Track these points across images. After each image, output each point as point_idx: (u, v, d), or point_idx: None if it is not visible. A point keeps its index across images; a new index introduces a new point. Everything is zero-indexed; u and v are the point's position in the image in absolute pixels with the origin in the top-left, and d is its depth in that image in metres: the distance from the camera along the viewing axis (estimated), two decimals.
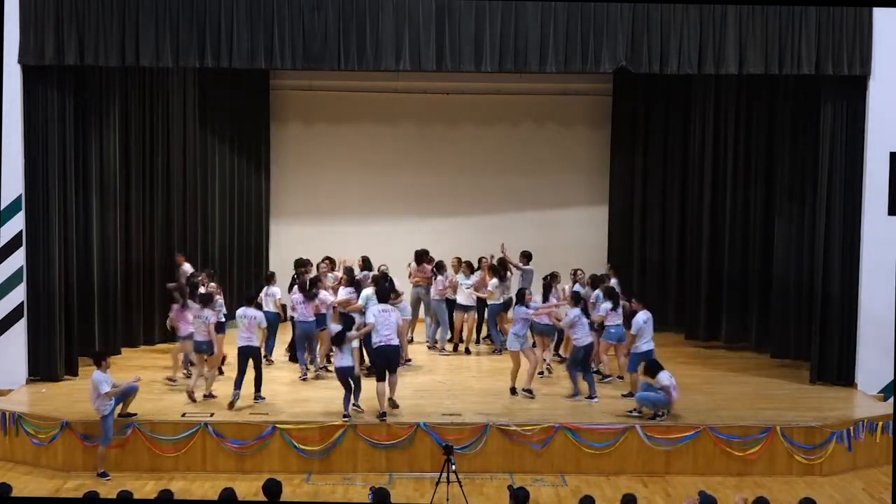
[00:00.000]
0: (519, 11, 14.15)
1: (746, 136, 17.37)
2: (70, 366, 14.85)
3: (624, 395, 14.10)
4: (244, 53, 14.06)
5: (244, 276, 19.09)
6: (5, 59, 13.07)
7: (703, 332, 17.91)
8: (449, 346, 16.97)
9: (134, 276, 16.79)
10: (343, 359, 13.06)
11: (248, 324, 13.83)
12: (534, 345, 14.94)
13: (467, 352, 16.93)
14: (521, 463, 12.92)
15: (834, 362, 14.95)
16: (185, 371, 14.83)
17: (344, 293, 15.29)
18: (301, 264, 16.00)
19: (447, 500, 11.33)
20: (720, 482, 12.51)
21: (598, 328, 14.85)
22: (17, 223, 14.29)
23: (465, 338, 16.94)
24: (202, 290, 15.06)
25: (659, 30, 14.24)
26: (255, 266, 19.32)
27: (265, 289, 15.88)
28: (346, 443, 12.88)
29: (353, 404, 13.19)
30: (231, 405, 13.42)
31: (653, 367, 13.40)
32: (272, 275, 16.46)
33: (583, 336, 14.09)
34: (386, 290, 14.15)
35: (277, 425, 12.88)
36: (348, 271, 15.89)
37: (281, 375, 15.25)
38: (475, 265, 17.00)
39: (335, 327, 13.57)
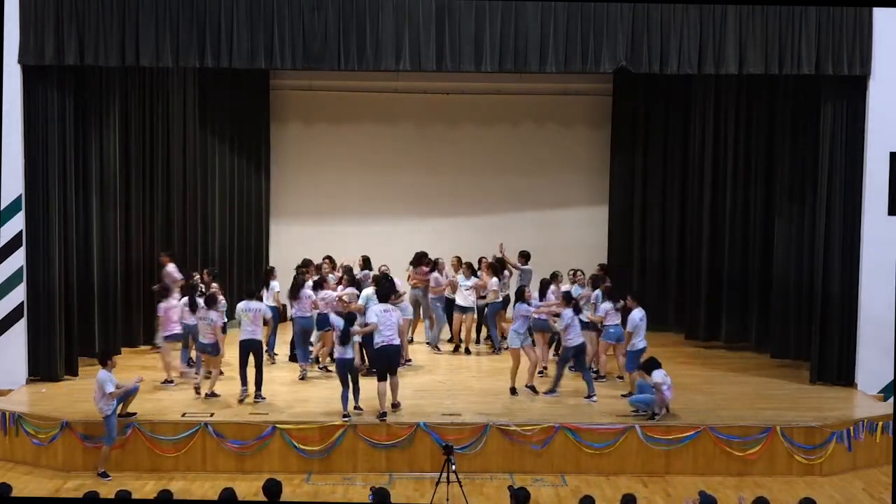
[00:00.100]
0: (519, 11, 14.15)
1: (746, 136, 17.37)
2: (70, 366, 14.86)
3: (623, 396, 14.10)
4: (244, 53, 14.06)
5: (244, 277, 19.08)
6: (5, 59, 13.07)
7: (703, 332, 17.91)
8: (448, 347, 16.98)
9: (134, 276, 16.79)
10: (345, 351, 13.08)
11: (253, 317, 13.87)
12: (533, 342, 14.94)
13: (467, 352, 16.93)
14: (521, 463, 12.92)
15: (834, 362, 14.96)
16: (183, 370, 14.88)
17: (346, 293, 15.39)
18: (304, 265, 16.06)
19: (447, 500, 11.33)
20: (720, 482, 12.51)
21: (596, 328, 14.88)
22: (17, 223, 14.29)
23: (464, 338, 16.95)
24: (201, 288, 15.12)
25: (659, 30, 14.24)
26: (256, 266, 19.33)
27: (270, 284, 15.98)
28: (346, 443, 12.88)
29: (355, 406, 13.19)
30: (241, 401, 13.60)
31: (649, 364, 13.45)
32: (272, 269, 16.52)
33: (574, 336, 14.12)
34: (387, 290, 14.16)
35: (277, 425, 12.88)
36: (348, 271, 15.92)
37: (281, 375, 15.26)
38: (475, 265, 17.00)
39: (336, 318, 13.53)
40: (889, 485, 12.16)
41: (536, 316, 14.68)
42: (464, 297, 16.69)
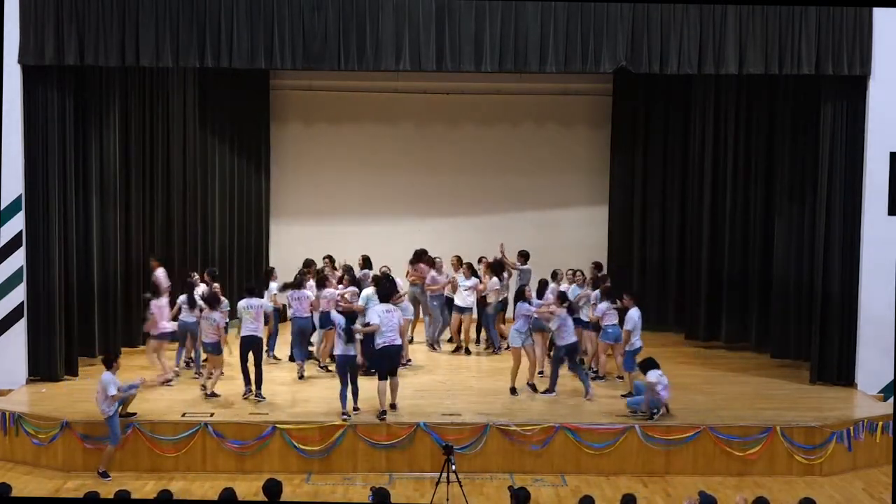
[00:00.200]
0: (519, 11, 14.15)
1: (746, 136, 17.36)
2: (70, 366, 14.86)
3: (623, 396, 14.10)
4: (244, 53, 14.06)
5: (244, 277, 19.06)
6: (5, 59, 13.07)
7: (703, 332, 17.91)
8: (448, 347, 16.98)
9: (134, 276, 16.77)
10: (348, 349, 13.07)
11: (255, 313, 13.92)
12: (533, 342, 14.94)
13: (467, 352, 16.92)
14: (521, 463, 12.92)
15: (834, 362, 14.96)
16: (178, 368, 14.99)
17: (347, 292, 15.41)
18: (307, 265, 16.07)
19: (447, 500, 11.33)
20: (720, 482, 12.52)
21: (596, 328, 14.88)
22: (17, 223, 14.29)
23: (463, 338, 16.94)
24: (200, 288, 15.11)
25: (659, 30, 14.24)
26: (256, 266, 19.33)
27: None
28: (346, 443, 12.88)
29: (354, 407, 13.19)
30: (245, 397, 13.73)
31: (646, 364, 13.47)
32: (272, 270, 16.52)
33: (567, 335, 14.13)
34: (388, 290, 14.16)
35: (277, 425, 12.88)
36: (348, 270, 15.92)
37: (281, 375, 15.25)
38: (475, 265, 16.98)
39: (338, 316, 13.53)
40: (889, 485, 12.16)
41: (537, 316, 14.68)
42: (463, 298, 16.67)
